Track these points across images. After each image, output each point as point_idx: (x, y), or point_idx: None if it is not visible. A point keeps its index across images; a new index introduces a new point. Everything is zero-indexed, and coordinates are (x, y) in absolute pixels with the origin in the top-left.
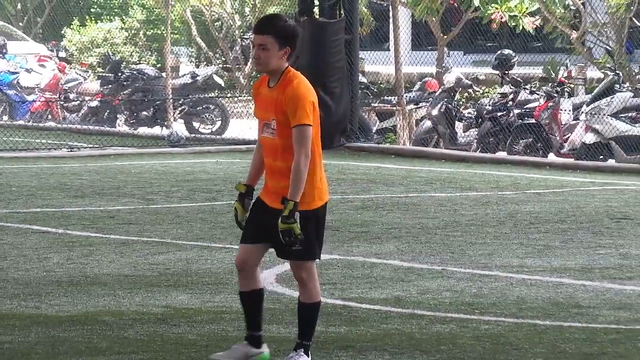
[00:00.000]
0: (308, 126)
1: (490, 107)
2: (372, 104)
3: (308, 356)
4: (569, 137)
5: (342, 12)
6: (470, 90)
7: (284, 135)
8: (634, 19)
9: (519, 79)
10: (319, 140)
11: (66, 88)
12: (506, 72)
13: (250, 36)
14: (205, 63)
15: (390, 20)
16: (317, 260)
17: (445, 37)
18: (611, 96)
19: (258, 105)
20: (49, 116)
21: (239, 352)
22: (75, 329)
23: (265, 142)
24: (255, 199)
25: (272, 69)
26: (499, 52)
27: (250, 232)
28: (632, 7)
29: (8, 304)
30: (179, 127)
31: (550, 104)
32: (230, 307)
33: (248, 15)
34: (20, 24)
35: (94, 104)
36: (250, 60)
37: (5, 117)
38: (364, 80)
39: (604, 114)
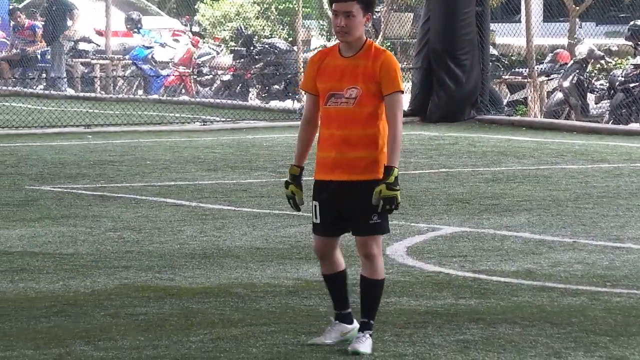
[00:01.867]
0: (402, 92)
1: (622, 79)
2: (503, 76)
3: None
4: None
5: None
6: (602, 62)
7: (365, 104)
8: None
9: None
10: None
11: (199, 62)
12: (639, 42)
13: (382, 9)
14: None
15: None
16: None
17: (577, 8)
18: None
19: (324, 76)
20: (183, 90)
21: (334, 332)
22: (209, 301)
23: (335, 113)
24: (315, 185)
25: (356, 37)
26: (632, 22)
27: (327, 223)
28: None
29: (143, 276)
30: None
31: None
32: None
33: None
34: None
35: (227, 77)
36: (335, 30)
37: (140, 92)
38: (494, 52)
39: None
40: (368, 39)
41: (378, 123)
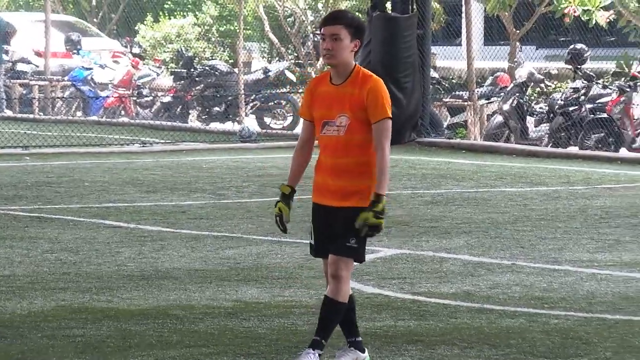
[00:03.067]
0: (390, 119)
1: (562, 102)
2: (444, 99)
3: (364, 352)
4: None
5: (414, 6)
6: (542, 85)
7: (354, 131)
8: None
9: (591, 73)
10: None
11: (139, 84)
12: (579, 66)
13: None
14: (277, 59)
15: (463, 15)
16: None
17: (517, 31)
18: None
19: (317, 104)
20: (122, 112)
21: (349, 357)
22: (147, 323)
23: (328, 141)
24: (313, 207)
25: (343, 62)
26: (571, 46)
27: (319, 246)
28: None
29: (81, 298)
30: (250, 123)
31: (623, 98)
32: (300, 302)
33: (321, 11)
34: (95, 20)
35: (167, 99)
36: (322, 53)
37: (79, 113)
38: (435, 75)
39: None
40: (357, 65)
41: (368, 151)
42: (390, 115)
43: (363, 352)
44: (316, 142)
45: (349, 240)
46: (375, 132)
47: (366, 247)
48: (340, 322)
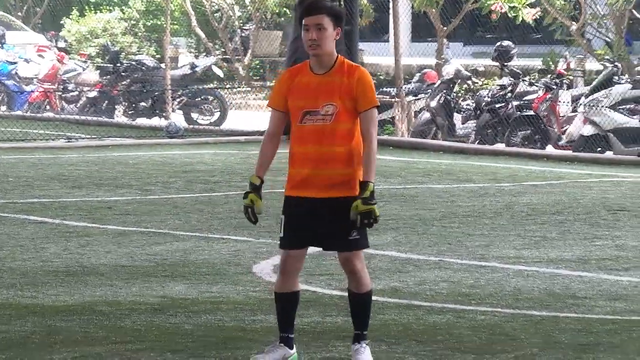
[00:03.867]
0: (378, 108)
1: (489, 99)
2: None
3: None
4: (567, 129)
5: (341, 2)
6: (469, 82)
7: (341, 120)
8: (633, 10)
9: (518, 70)
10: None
11: (65, 78)
12: (505, 63)
13: (247, 27)
14: (204, 54)
15: (390, 11)
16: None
17: (444, 28)
18: (610, 88)
19: (296, 94)
20: (47, 107)
21: (277, 354)
22: (72, 319)
23: (311, 130)
24: (286, 200)
25: (327, 51)
26: (498, 43)
27: (295, 236)
28: None
29: (5, 294)
30: (177, 118)
31: (549, 95)
32: (227, 298)
33: (248, 6)
34: (20, 13)
35: (93, 94)
36: (307, 44)
37: (3, 108)
38: None
39: (603, 106)
40: (339, 55)
41: (354, 139)
42: (378, 104)
43: (292, 348)
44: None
45: (350, 234)
46: (363, 120)
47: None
48: (278, 314)
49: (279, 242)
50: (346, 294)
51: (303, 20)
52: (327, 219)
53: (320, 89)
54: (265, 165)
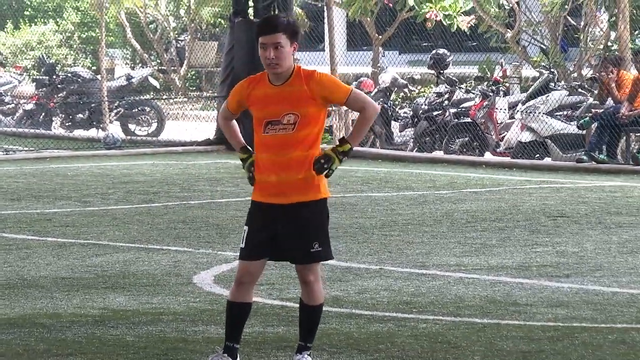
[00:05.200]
0: (354, 89)
1: (426, 107)
2: None
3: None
4: (504, 136)
5: (276, 12)
6: (405, 90)
7: (303, 128)
8: (568, 17)
9: (454, 78)
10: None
11: (1, 91)
12: (441, 71)
13: (183, 38)
14: (140, 65)
15: (325, 20)
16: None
17: (380, 37)
18: (546, 94)
19: (258, 105)
20: None
21: None
22: (13, 332)
23: (273, 140)
24: (252, 207)
25: (286, 68)
26: (434, 51)
27: (255, 248)
28: (566, 6)
29: None
30: (114, 130)
31: (486, 102)
32: (168, 309)
33: (183, 17)
34: None
35: (29, 106)
36: (265, 63)
37: None
38: None
39: (540, 113)
40: (295, 64)
41: (316, 145)
42: (351, 89)
43: (235, 359)
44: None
45: (312, 246)
46: (350, 107)
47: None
48: (227, 323)
49: (238, 252)
50: (288, 303)
51: (260, 39)
52: (288, 228)
53: (280, 100)
54: (239, 136)
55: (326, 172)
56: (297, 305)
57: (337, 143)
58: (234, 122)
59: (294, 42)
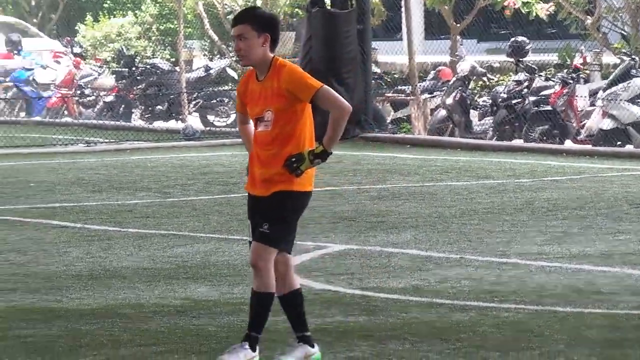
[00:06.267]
0: (323, 86)
1: (505, 95)
2: (386, 94)
3: (254, 350)
4: (585, 124)
5: (353, 2)
6: (484, 79)
7: (278, 124)
8: None
9: (533, 66)
10: (312, 127)
11: (81, 84)
12: (520, 59)
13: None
14: (218, 56)
15: (403, 9)
16: (288, 254)
17: (458, 25)
18: (627, 81)
19: (250, 103)
20: (65, 112)
21: (297, 352)
22: (97, 322)
23: (259, 136)
24: (248, 198)
25: (257, 60)
26: (512, 39)
27: (252, 235)
28: None
29: (30, 298)
30: (193, 121)
31: (566, 90)
32: (248, 299)
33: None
34: (35, 20)
35: (109, 98)
36: (236, 53)
37: (22, 114)
38: (377, 70)
39: (621, 100)
40: (275, 56)
41: (292, 141)
42: (321, 84)
43: (313, 347)
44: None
45: (262, 225)
46: (320, 104)
47: (292, 238)
48: (288, 317)
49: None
50: (368, 293)
51: (232, 31)
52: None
53: (261, 96)
54: (252, 141)
55: (295, 171)
56: (378, 294)
57: (316, 146)
58: (250, 127)
59: (264, 33)
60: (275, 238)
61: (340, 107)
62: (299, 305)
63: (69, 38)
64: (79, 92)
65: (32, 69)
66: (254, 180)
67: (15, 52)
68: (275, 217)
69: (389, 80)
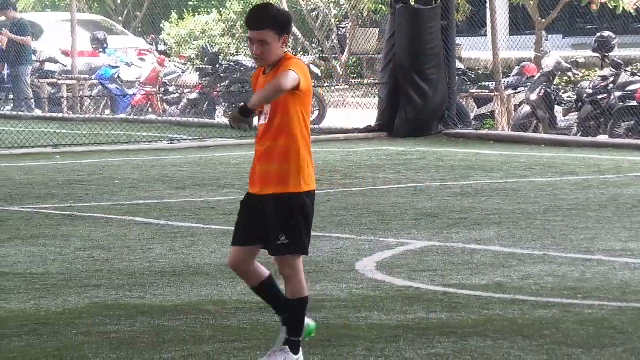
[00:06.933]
0: (290, 71)
1: (590, 91)
2: (470, 90)
3: (296, 353)
4: None
5: None
6: (569, 74)
7: (273, 117)
8: None
9: (619, 61)
10: (308, 123)
11: (166, 81)
12: (606, 54)
13: (344, 26)
14: (302, 53)
15: (487, 5)
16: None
17: (543, 20)
18: None
19: None
20: (150, 109)
21: (279, 357)
22: (179, 319)
23: (259, 130)
24: (245, 196)
25: (274, 61)
26: (598, 34)
27: (243, 233)
28: None
29: (114, 295)
30: None
31: None
32: (330, 295)
33: (344, 4)
34: (120, 18)
35: (193, 96)
36: (253, 57)
37: (107, 111)
38: (461, 66)
39: None
40: (286, 52)
41: (287, 136)
42: (291, 69)
43: (297, 353)
44: None
45: (279, 238)
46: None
47: (309, 238)
48: (267, 302)
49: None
50: (450, 289)
51: (248, 32)
52: (265, 216)
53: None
54: None
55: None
56: (461, 291)
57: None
58: None
59: (284, 35)
60: (298, 245)
61: (279, 81)
62: (299, 312)
63: (153, 36)
64: (163, 89)
65: (117, 67)
66: (252, 177)
67: (101, 50)
68: (288, 225)
69: (472, 76)
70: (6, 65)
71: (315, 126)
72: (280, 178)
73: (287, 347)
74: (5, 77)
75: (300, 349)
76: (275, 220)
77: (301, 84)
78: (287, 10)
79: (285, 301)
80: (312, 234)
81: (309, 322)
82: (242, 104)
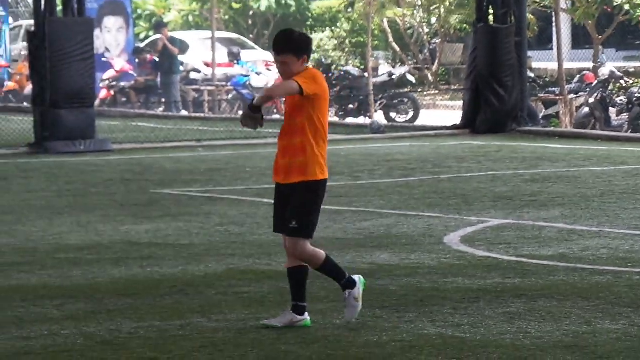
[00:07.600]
0: (291, 81)
1: (639, 95)
2: (539, 95)
3: (302, 315)
4: None
5: (512, 18)
6: (621, 81)
7: (291, 116)
8: None
9: None
10: (324, 121)
11: None
12: None
13: (434, 41)
14: (399, 64)
15: (553, 24)
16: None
17: (600, 37)
18: None
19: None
20: (275, 110)
21: (286, 318)
22: None
23: (283, 128)
24: (275, 187)
25: (295, 75)
26: None
27: (276, 222)
28: None
29: (246, 262)
30: (379, 117)
31: None
32: (423, 264)
33: (434, 24)
34: (251, 35)
35: None
36: (277, 69)
37: (240, 112)
38: (531, 75)
39: None
40: (307, 67)
41: (303, 133)
42: (296, 80)
43: (302, 315)
44: None
45: (290, 222)
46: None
47: (316, 224)
48: (291, 285)
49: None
50: (522, 259)
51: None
52: (284, 205)
53: None
54: None
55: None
56: (531, 261)
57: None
58: None
59: (303, 56)
60: (305, 230)
61: (273, 87)
62: (301, 279)
63: None
64: None
65: (248, 76)
66: (275, 168)
67: (235, 61)
68: (300, 212)
69: (541, 83)
70: (159, 74)
71: (411, 125)
72: (299, 169)
73: (294, 311)
74: (159, 84)
75: (306, 312)
76: (291, 206)
77: (305, 90)
78: (308, 35)
79: (337, 271)
80: (408, 213)
81: (359, 277)
82: (250, 103)
